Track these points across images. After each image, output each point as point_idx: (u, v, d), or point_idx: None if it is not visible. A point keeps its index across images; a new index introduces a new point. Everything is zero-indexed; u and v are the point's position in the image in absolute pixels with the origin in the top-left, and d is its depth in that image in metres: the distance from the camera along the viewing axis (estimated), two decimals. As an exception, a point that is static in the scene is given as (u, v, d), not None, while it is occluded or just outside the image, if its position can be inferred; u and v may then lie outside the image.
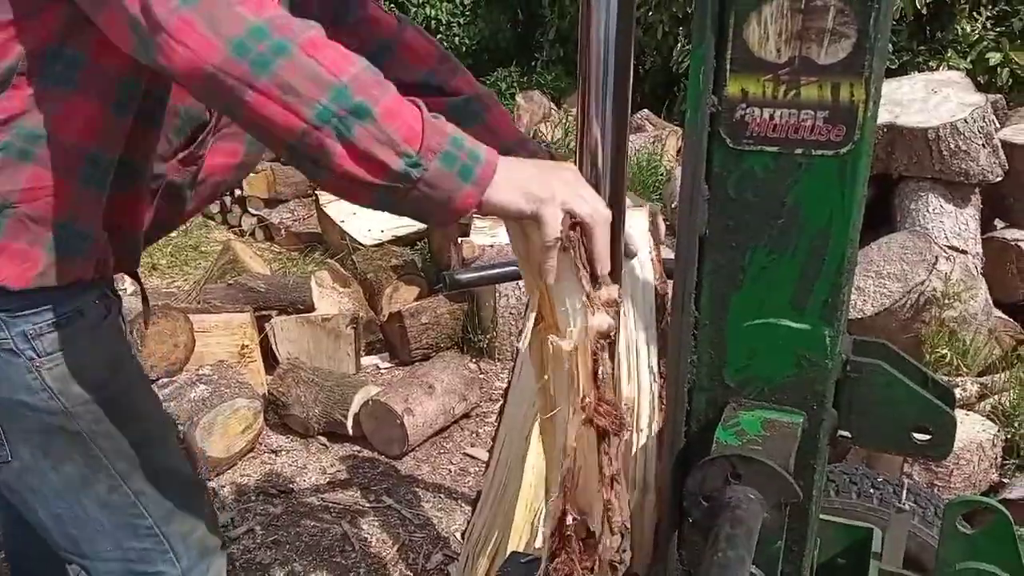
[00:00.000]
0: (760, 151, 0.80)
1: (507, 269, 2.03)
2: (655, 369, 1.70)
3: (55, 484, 1.37)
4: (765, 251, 0.83)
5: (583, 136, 0.98)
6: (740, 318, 0.87)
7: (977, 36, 5.59)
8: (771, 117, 0.79)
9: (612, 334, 1.08)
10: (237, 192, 5.46)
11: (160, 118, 1.29)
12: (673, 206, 3.88)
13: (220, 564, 1.57)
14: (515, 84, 7.70)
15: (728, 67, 0.79)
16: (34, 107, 1.16)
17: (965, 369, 2.95)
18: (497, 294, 3.67)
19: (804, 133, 0.78)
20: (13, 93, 1.16)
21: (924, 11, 5.47)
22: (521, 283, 3.51)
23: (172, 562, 1.47)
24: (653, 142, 5.76)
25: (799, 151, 0.79)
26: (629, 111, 0.96)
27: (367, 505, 2.80)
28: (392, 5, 8.04)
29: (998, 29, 5.62)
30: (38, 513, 1.42)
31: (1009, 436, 2.61)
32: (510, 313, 3.70)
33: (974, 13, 5.63)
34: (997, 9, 5.64)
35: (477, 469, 3.01)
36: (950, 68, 5.28)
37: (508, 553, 1.29)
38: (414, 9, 8.02)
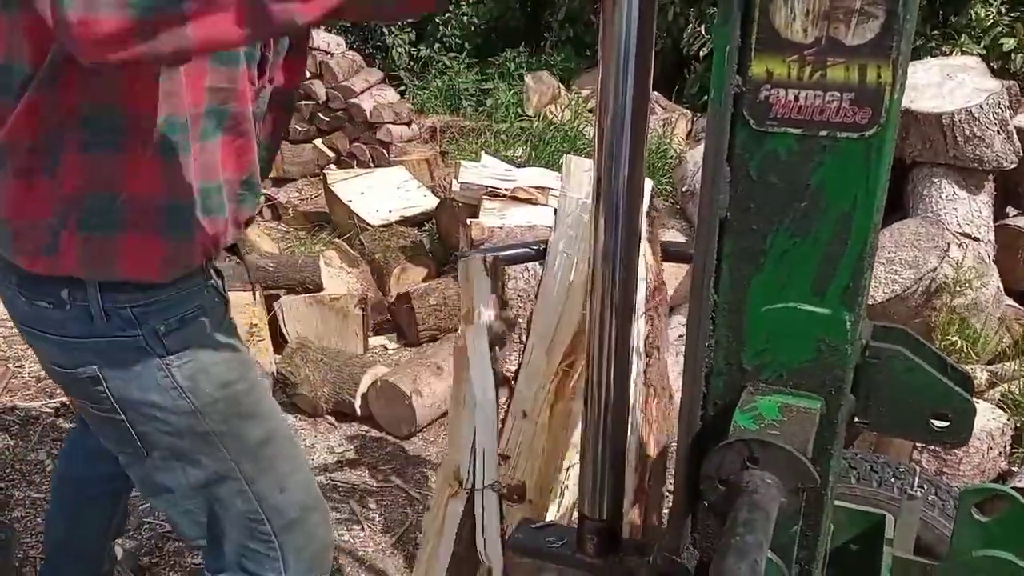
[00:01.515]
0: (784, 133, 0.79)
1: (518, 251, 2.02)
2: (640, 350, 1.72)
3: (183, 485, 1.40)
4: (787, 234, 0.82)
5: (602, 120, 0.96)
6: (760, 302, 0.86)
7: (991, 21, 5.52)
8: (796, 98, 0.78)
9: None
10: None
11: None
12: (684, 189, 3.86)
13: None
14: (524, 65, 7.64)
15: (753, 47, 0.78)
16: (97, 92, 1.16)
17: (975, 357, 2.94)
18: (506, 276, 3.66)
19: (829, 115, 0.77)
20: (68, 84, 1.15)
21: (939, -5, 5.41)
22: (531, 266, 3.50)
23: (279, 571, 1.50)
24: (663, 125, 5.73)
25: (824, 133, 0.78)
26: (649, 93, 0.95)
27: (375, 485, 2.81)
28: (401, -16, 7.95)
29: (1013, 14, 5.56)
30: (167, 510, 1.46)
31: (1019, 425, 2.60)
32: (518, 295, 3.69)
33: (989, -3, 5.57)
34: (1012, -6, 5.58)
35: (484, 450, 3.02)
36: (963, 53, 5.23)
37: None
38: (423, -12, 7.95)
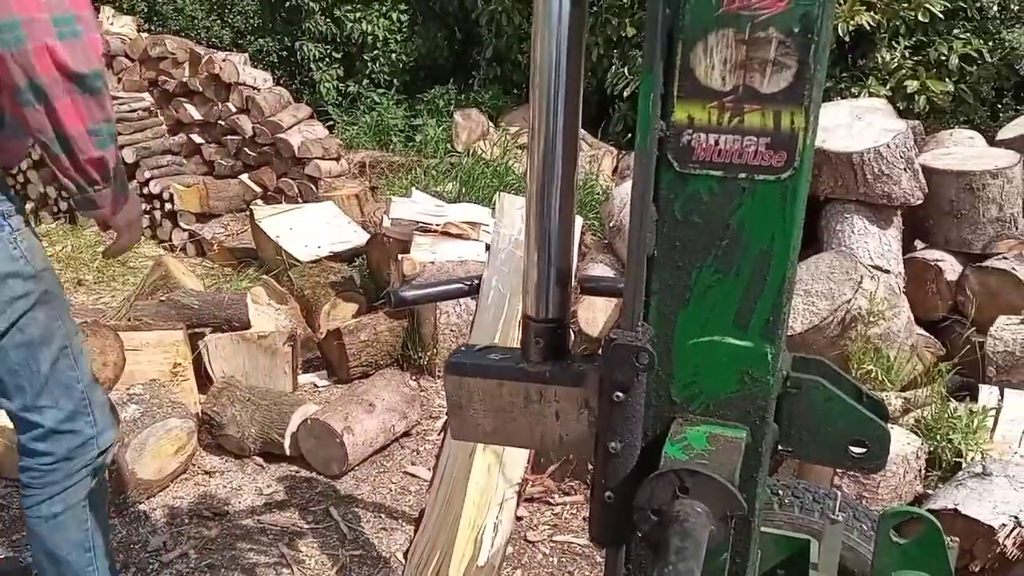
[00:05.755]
0: (706, 175, 0.83)
1: (451, 287, 2.03)
2: None
3: (19, 341, 1.69)
4: (710, 271, 0.86)
5: (533, 157, 0.99)
6: (686, 336, 0.89)
7: (896, 64, 5.84)
8: (716, 142, 0.82)
9: None
10: (168, 206, 5.34)
11: None
12: (611, 224, 3.94)
13: (116, 436, 1.94)
14: (452, 101, 7.72)
15: (675, 93, 0.82)
16: None
17: (889, 384, 3.06)
18: (438, 311, 3.67)
19: (747, 158, 0.82)
20: None
21: (847, 39, 5.70)
22: (462, 300, 3.51)
23: (91, 424, 1.82)
24: (590, 161, 5.86)
25: (743, 175, 0.82)
26: (579, 132, 0.98)
27: (305, 526, 2.75)
28: (329, 20, 7.99)
29: (915, 58, 5.90)
30: None
31: (931, 449, 2.72)
32: (450, 330, 3.70)
33: (893, 43, 5.90)
34: (914, 39, 5.91)
35: (418, 487, 2.99)
36: (871, 95, 5.51)
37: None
38: (350, 25, 7.98)
